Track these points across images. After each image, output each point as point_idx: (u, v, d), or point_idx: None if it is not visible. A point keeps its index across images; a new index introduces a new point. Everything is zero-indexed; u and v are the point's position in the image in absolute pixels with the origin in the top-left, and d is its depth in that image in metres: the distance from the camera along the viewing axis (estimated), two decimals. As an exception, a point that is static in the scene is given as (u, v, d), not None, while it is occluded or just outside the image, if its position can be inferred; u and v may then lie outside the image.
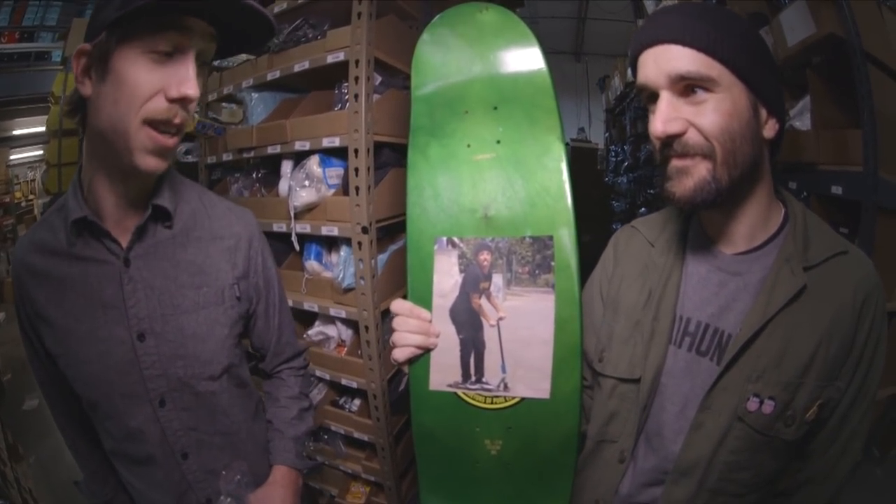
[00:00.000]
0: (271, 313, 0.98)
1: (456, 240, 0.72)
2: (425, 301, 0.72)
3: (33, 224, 0.94)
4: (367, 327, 1.54)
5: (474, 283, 0.71)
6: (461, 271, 0.72)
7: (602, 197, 5.86)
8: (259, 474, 0.93)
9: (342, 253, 1.59)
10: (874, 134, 1.37)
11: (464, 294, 0.71)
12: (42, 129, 6.07)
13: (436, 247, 0.73)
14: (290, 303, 1.73)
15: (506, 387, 0.70)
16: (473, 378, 0.71)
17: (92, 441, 0.89)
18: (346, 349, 1.73)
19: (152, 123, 0.69)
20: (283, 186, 1.71)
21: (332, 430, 1.83)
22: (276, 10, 1.75)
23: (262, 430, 0.99)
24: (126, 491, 0.90)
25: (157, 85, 0.68)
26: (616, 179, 5.68)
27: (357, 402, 1.82)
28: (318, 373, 1.75)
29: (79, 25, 4.97)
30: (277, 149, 1.68)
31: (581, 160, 6.59)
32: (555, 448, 0.71)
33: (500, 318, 0.70)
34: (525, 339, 0.70)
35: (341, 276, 1.54)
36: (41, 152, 7.17)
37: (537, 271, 0.69)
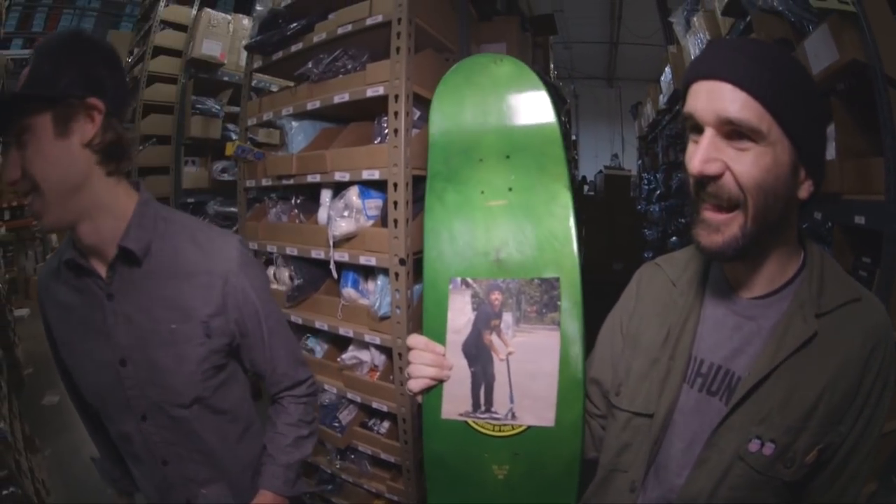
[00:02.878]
0: (261, 347, 0.98)
1: (470, 280, 0.77)
2: (439, 336, 0.77)
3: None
4: (400, 354, 1.58)
5: (486, 320, 0.76)
6: (474, 309, 0.77)
7: (634, 225, 5.78)
8: (243, 494, 0.98)
9: (379, 282, 1.63)
10: (896, 162, 1.33)
11: (476, 330, 0.76)
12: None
13: (451, 286, 0.78)
14: (326, 327, 1.79)
15: (513, 416, 0.75)
16: (483, 408, 0.76)
17: (106, 430, 0.99)
18: (378, 374, 1.77)
19: None
20: (322, 215, 1.76)
21: (360, 451, 1.87)
22: (316, 39, 1.81)
23: (248, 452, 1.01)
24: (131, 476, 1.01)
25: None
26: (648, 207, 5.57)
27: (386, 424, 1.86)
28: (349, 395, 1.80)
29: (115, 38, 5.13)
30: (317, 178, 1.74)
31: (614, 188, 6.56)
32: (559, 472, 0.75)
33: (510, 353, 0.75)
34: (532, 373, 0.74)
35: (378, 304, 1.58)
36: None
37: (544, 310, 0.75)
